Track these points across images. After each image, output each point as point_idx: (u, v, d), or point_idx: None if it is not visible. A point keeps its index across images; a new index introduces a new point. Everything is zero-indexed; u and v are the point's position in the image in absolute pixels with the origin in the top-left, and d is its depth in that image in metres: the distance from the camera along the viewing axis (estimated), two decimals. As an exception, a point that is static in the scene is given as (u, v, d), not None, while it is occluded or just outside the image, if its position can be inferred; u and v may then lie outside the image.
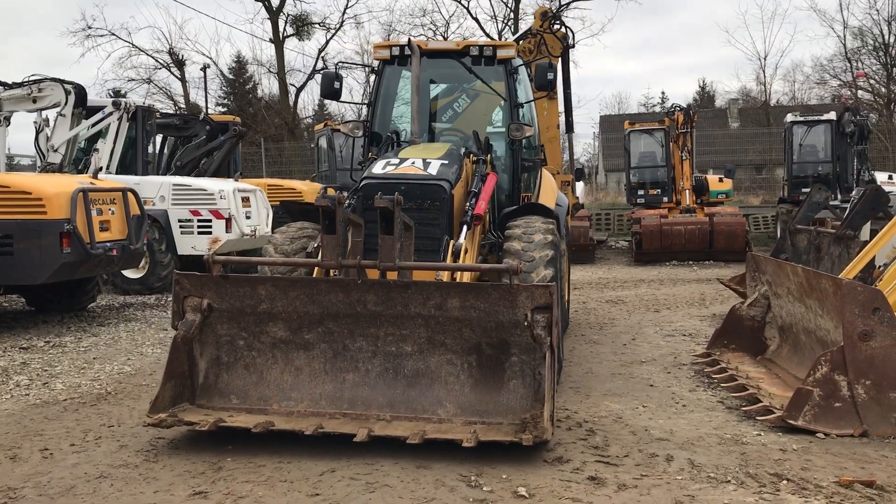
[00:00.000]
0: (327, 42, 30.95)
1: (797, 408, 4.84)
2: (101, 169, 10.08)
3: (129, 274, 11.24)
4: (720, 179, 18.18)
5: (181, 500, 3.77)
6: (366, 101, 7.47)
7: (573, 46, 9.22)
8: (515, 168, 7.06)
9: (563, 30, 9.32)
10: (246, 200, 12.07)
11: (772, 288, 6.60)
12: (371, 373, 4.91)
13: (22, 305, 10.05)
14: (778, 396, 5.43)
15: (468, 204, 5.94)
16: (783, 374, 6.07)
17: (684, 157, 16.99)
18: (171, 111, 24.30)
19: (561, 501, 3.73)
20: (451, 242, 5.57)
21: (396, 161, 6.06)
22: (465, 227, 5.73)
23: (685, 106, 17.61)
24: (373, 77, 7.60)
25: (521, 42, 9.10)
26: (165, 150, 15.83)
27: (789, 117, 18.70)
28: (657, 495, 3.80)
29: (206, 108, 24.93)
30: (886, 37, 31.88)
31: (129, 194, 9.10)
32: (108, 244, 8.60)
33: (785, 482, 3.96)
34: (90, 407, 5.46)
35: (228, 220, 11.47)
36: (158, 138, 14.76)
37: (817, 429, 4.78)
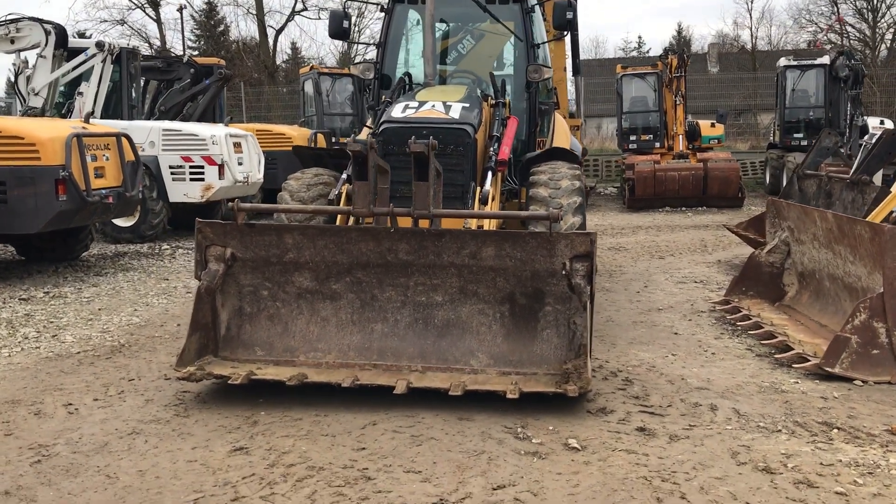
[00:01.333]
0: (306, -17, 30.05)
1: (835, 355, 4.79)
2: (91, 113, 9.70)
3: (120, 222, 10.95)
4: (712, 124, 18.06)
5: (222, 457, 3.64)
6: (373, 42, 7.18)
7: (580, -15, 8.91)
8: (532, 112, 6.86)
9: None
10: (238, 146, 11.75)
11: (794, 234, 6.52)
12: (400, 323, 4.78)
13: (12, 255, 9.75)
14: (808, 343, 5.38)
15: (492, 149, 5.75)
16: (806, 321, 6.02)
17: (678, 102, 16.80)
18: (152, 54, 23.61)
19: (615, 453, 3.65)
20: (478, 189, 5.40)
21: (416, 104, 5.83)
22: (489, 174, 5.55)
23: (680, 49, 17.34)
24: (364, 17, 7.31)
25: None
26: (147, 95, 15.39)
27: (782, 61, 18.53)
28: (712, 446, 3.72)
29: (185, 50, 24.20)
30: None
31: (124, 139, 8.77)
32: (104, 191, 8.31)
33: (836, 431, 3.91)
34: (105, 360, 5.28)
35: (221, 167, 11.17)
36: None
37: (854, 376, 4.74)
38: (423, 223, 4.66)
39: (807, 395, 4.48)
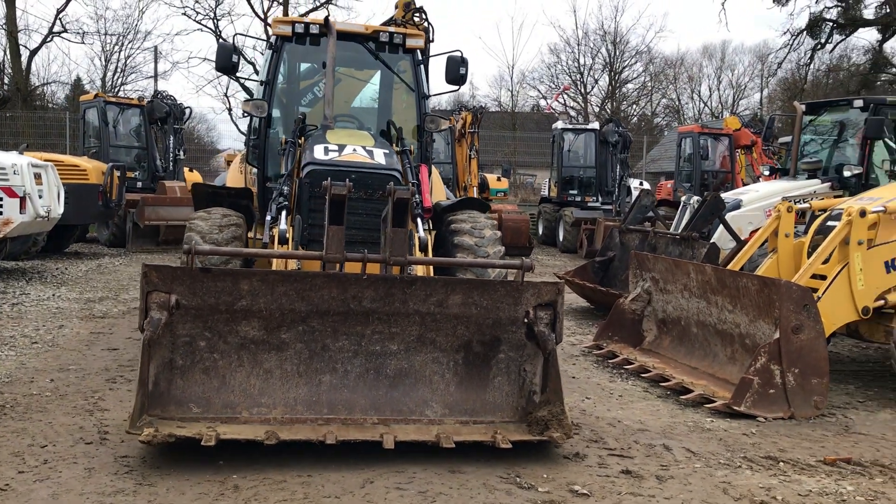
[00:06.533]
0: (67, 3, 27.74)
1: (740, 395, 5.33)
2: None
3: None
4: (498, 178, 19.24)
5: (233, 528, 3.28)
6: (261, 80, 6.89)
7: (433, 41, 9.20)
8: (426, 161, 6.94)
9: (425, 23, 9.29)
10: (38, 177, 10.53)
11: (658, 284, 7.16)
12: (350, 374, 4.61)
13: None
14: (699, 384, 5.94)
15: (416, 197, 5.75)
16: (675, 364, 6.61)
17: (472, 156, 17.67)
18: None
19: (622, 497, 3.80)
20: (417, 236, 5.37)
21: (335, 147, 5.69)
22: (419, 220, 5.54)
23: (473, 107, 18.32)
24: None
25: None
26: None
27: (559, 124, 20.23)
28: (698, 484, 4.00)
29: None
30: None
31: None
32: None
33: (782, 464, 4.37)
34: (-8, 424, 4.49)
35: (23, 199, 9.93)
36: None
37: (756, 413, 5.30)
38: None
39: (730, 433, 4.95)
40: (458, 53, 6.90)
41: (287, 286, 4.39)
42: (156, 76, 36.19)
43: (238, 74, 7.66)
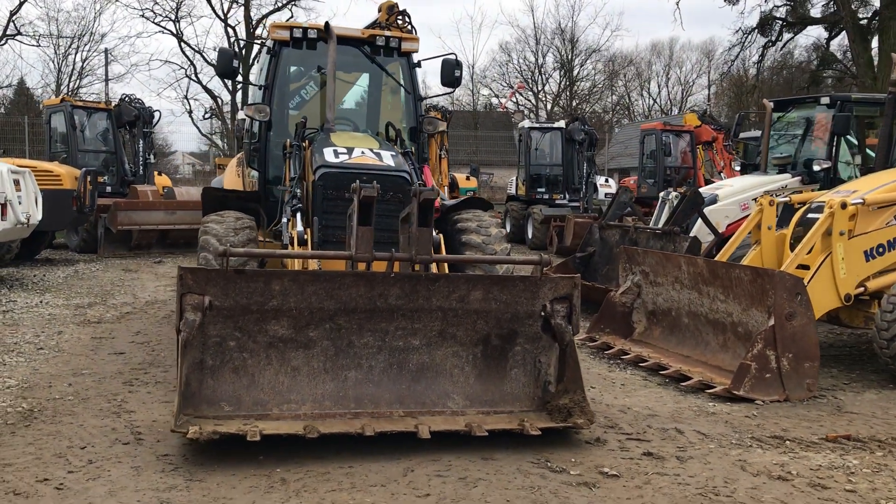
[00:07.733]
0: (21, 4, 27.24)
1: (739, 380, 5.62)
2: None
3: None
4: (467, 178, 19.44)
5: (293, 518, 3.43)
6: (260, 84, 6.99)
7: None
8: (423, 162, 7.12)
9: (408, 26, 9.45)
10: (17, 183, 10.43)
11: (648, 277, 7.43)
12: (375, 369, 4.76)
13: None
14: (696, 372, 6.21)
15: (426, 197, 5.92)
16: (668, 353, 6.87)
17: (442, 156, 17.85)
18: None
19: (650, 477, 4.03)
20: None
21: (344, 150, 5.83)
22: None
23: (441, 106, 18.51)
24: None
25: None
26: None
27: (526, 123, 20.51)
28: (717, 463, 4.25)
29: None
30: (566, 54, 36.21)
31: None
32: None
33: (788, 442, 4.65)
34: (25, 428, 4.55)
35: (3, 206, 9.83)
36: None
37: (754, 397, 5.59)
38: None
39: (734, 416, 5.22)
40: (453, 57, 7.09)
41: (317, 285, 4.53)
42: (106, 79, 35.70)
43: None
